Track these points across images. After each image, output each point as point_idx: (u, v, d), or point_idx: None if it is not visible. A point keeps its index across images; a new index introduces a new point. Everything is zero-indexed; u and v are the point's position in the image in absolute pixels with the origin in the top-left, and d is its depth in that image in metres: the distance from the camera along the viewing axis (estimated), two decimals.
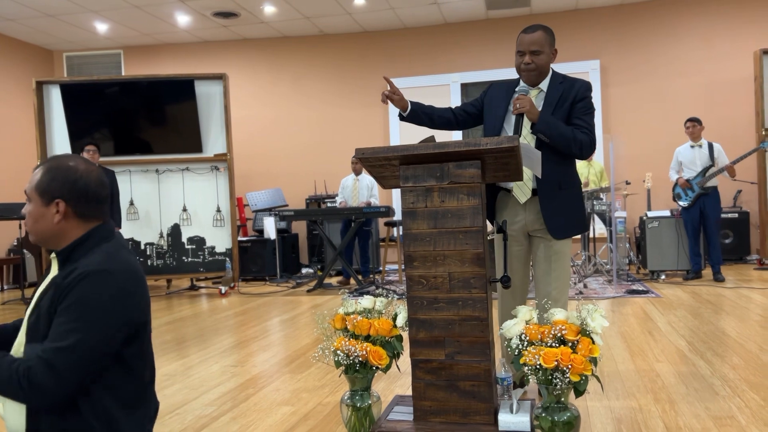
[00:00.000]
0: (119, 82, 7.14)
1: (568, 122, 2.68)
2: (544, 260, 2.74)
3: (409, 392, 2.98)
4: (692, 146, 6.64)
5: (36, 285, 1.74)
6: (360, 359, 2.30)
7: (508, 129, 2.73)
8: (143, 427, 1.66)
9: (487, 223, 2.40)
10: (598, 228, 7.73)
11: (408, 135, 9.06)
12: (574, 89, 2.69)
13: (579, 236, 7.23)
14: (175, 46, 9.72)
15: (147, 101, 7.11)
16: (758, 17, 8.20)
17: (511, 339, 2.15)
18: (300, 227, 9.24)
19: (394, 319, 2.41)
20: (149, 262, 7.18)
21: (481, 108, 2.88)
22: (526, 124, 2.66)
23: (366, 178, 7.76)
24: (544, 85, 2.73)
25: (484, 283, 2.19)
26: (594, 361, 2.07)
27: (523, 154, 2.31)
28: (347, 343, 2.33)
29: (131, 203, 7.09)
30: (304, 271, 8.95)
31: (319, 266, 8.76)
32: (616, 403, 2.82)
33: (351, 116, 9.41)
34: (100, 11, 8.13)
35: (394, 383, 3.29)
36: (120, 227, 6.65)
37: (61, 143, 7.15)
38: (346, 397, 2.41)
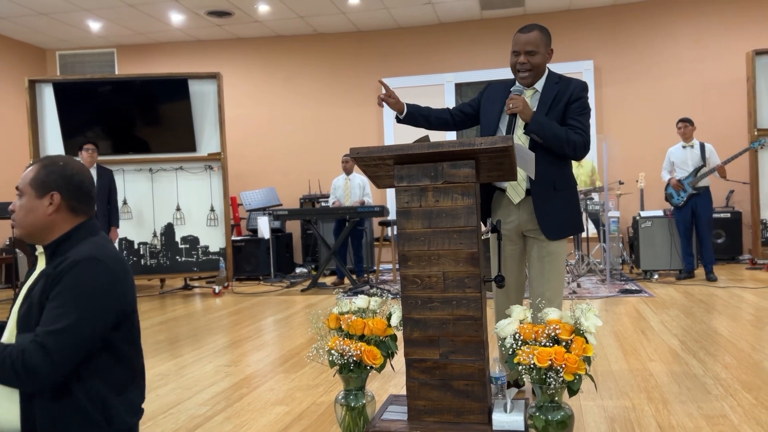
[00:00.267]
0: (113, 81, 7.11)
1: (563, 123, 2.67)
2: (537, 261, 2.74)
3: (404, 392, 2.98)
4: (684, 146, 6.67)
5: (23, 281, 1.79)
6: (354, 359, 2.30)
7: (504, 129, 2.73)
8: (134, 410, 1.74)
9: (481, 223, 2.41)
10: (590, 228, 7.75)
11: (402, 134, 9.06)
12: (569, 89, 2.68)
13: (572, 236, 7.25)
14: (168, 45, 9.69)
15: (140, 100, 7.09)
16: (751, 18, 8.25)
17: (505, 338, 2.16)
18: (294, 227, 9.23)
19: (389, 318, 2.41)
20: (142, 262, 7.16)
21: (478, 108, 2.88)
22: (520, 125, 2.65)
23: (357, 177, 7.75)
24: (540, 85, 2.73)
25: (478, 283, 2.20)
26: (588, 360, 2.07)
27: (517, 154, 2.32)
28: (341, 342, 2.33)
29: (125, 202, 7.06)
30: (298, 270, 8.94)
31: (313, 266, 8.75)
32: (610, 403, 2.83)
33: (345, 116, 9.41)
34: (94, 10, 8.09)
35: (388, 383, 3.29)
36: (118, 226, 6.62)
37: (53, 142, 7.12)
38: (340, 397, 2.40)
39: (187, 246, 7.22)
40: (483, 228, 2.63)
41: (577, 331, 2.11)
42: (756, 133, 7.15)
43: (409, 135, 8.51)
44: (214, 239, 7.23)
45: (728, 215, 7.83)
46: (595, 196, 7.32)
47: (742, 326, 4.29)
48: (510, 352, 2.12)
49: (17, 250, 7.71)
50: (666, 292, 5.93)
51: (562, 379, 2.01)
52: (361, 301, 2.48)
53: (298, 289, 7.18)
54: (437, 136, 8.24)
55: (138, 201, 7.18)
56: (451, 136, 8.59)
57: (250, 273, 8.20)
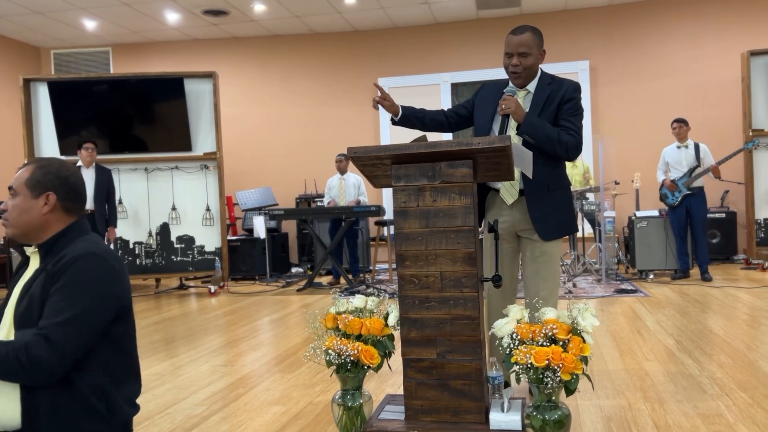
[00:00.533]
0: (108, 80, 7.09)
1: (556, 123, 2.67)
2: (532, 261, 2.74)
3: (401, 391, 2.97)
4: (679, 147, 6.70)
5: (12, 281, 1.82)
6: (351, 358, 2.30)
7: (497, 130, 2.73)
8: (133, 401, 1.80)
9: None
10: (585, 228, 7.76)
11: (399, 134, 9.05)
12: (561, 90, 2.69)
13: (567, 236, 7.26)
14: (164, 44, 9.67)
15: (136, 99, 7.07)
16: (746, 19, 8.28)
17: (502, 338, 2.16)
18: (290, 226, 9.22)
19: (386, 318, 2.41)
20: (138, 261, 7.14)
21: (472, 109, 2.88)
22: (512, 126, 2.66)
23: (352, 176, 7.74)
24: (532, 86, 2.73)
25: (475, 283, 2.20)
26: (585, 360, 2.08)
27: (514, 154, 2.32)
28: (339, 342, 2.33)
29: (120, 202, 7.03)
30: (293, 270, 8.93)
31: (308, 266, 8.74)
32: (606, 402, 2.84)
33: (341, 115, 9.40)
34: (89, 8, 8.07)
35: (385, 382, 3.29)
36: (115, 226, 6.60)
37: (48, 141, 7.09)
38: (337, 397, 2.40)
39: (183, 245, 7.20)
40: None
41: (574, 330, 2.12)
42: (751, 133, 7.18)
43: (405, 135, 8.49)
44: (209, 239, 7.21)
45: (723, 215, 7.86)
46: (590, 196, 7.33)
47: (737, 326, 4.30)
48: (507, 352, 2.12)
49: (11, 250, 7.68)
50: (661, 291, 5.95)
51: (559, 378, 2.01)
52: (358, 300, 2.47)
53: (293, 288, 7.17)
54: (434, 136, 8.25)
55: (133, 200, 7.15)
56: (447, 136, 8.59)
57: (245, 273, 8.19)
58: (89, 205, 6.36)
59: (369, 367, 2.33)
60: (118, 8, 8.10)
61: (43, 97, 7.06)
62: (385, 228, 7.96)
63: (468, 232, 2.20)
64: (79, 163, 6.42)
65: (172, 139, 7.14)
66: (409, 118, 2.87)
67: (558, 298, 2.83)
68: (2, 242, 8.38)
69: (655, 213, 6.96)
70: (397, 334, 2.37)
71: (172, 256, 7.18)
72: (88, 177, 6.41)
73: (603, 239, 6.60)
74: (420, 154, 2.21)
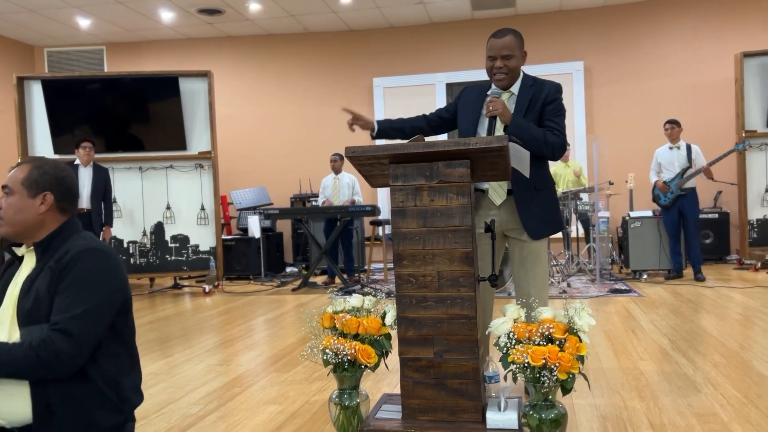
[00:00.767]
0: (102, 79, 7.06)
1: (540, 124, 2.72)
2: (520, 261, 2.78)
3: (397, 390, 2.98)
4: (671, 148, 6.74)
5: None
6: (349, 358, 2.30)
7: (482, 132, 2.77)
8: (138, 389, 1.87)
9: None
10: (580, 229, 7.79)
11: None
12: (544, 91, 2.73)
13: (561, 235, 7.29)
14: (158, 43, 9.64)
15: (130, 98, 7.04)
16: (740, 21, 8.32)
17: (499, 337, 2.17)
18: (285, 226, 9.21)
19: (383, 317, 2.41)
20: (132, 261, 7.12)
21: (456, 112, 2.91)
22: (499, 127, 2.70)
23: (346, 176, 7.73)
24: (516, 88, 2.77)
25: (472, 282, 2.21)
26: (581, 359, 2.09)
27: (512, 154, 2.33)
28: (336, 341, 2.33)
29: (114, 201, 7.01)
30: (288, 269, 8.92)
31: (303, 265, 8.73)
32: (602, 401, 2.85)
33: (336, 115, 9.39)
34: (83, 6, 8.03)
35: (382, 381, 3.29)
36: (111, 225, 6.58)
37: (42, 140, 7.06)
38: (334, 396, 2.41)
39: (177, 245, 7.18)
40: None
41: (571, 330, 2.13)
42: (744, 134, 7.22)
43: None
44: (204, 238, 7.20)
45: (716, 216, 7.90)
46: (585, 196, 7.36)
47: (731, 325, 4.33)
48: (504, 351, 2.13)
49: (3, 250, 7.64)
50: (655, 291, 5.98)
51: (555, 377, 2.02)
52: (355, 300, 2.48)
53: (288, 288, 7.17)
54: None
55: (128, 199, 7.13)
56: (444, 137, 8.60)
57: (240, 272, 8.17)
58: (86, 204, 6.34)
59: (366, 366, 2.34)
60: (113, 6, 8.07)
61: (36, 95, 7.03)
62: (380, 228, 7.97)
63: (465, 231, 2.21)
64: (77, 162, 6.39)
65: (167, 138, 7.12)
66: (386, 131, 2.91)
67: (548, 295, 2.87)
68: None
69: (649, 213, 6.99)
70: (394, 333, 2.37)
71: (167, 256, 7.16)
72: (86, 176, 6.39)
73: (597, 239, 6.63)
74: (418, 153, 2.21)
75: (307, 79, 9.47)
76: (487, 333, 2.37)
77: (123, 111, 7.06)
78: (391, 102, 9.19)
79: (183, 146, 7.14)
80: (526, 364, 2.04)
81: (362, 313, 2.45)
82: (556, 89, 2.75)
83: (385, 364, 2.50)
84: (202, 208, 7.20)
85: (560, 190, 7.32)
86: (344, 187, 7.73)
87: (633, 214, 7.09)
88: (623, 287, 6.16)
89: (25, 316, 1.69)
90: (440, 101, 8.99)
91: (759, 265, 7.16)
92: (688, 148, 6.66)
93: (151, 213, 7.17)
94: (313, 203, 8.60)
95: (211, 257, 7.17)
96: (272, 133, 9.52)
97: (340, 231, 7.21)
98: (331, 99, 9.41)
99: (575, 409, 2.75)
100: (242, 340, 4.47)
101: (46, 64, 9.69)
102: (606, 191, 7.43)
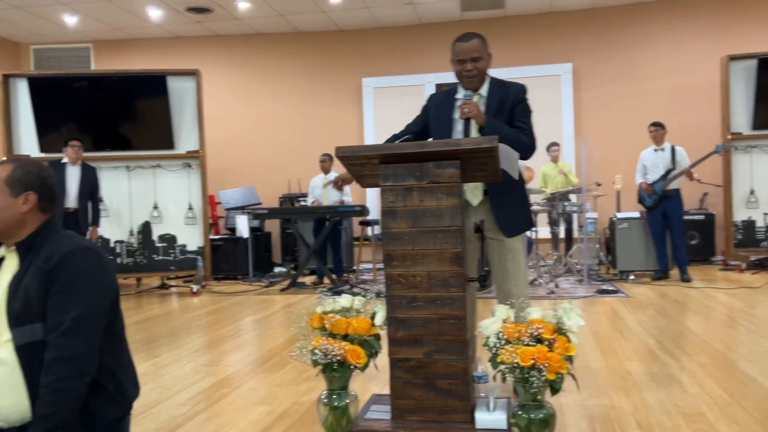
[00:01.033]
0: (89, 77, 7.01)
1: (510, 125, 2.78)
2: (499, 260, 2.84)
3: (387, 391, 2.98)
4: (655, 150, 6.80)
5: None
6: (338, 358, 2.30)
7: (457, 135, 2.82)
8: (136, 381, 1.91)
9: None
10: (563, 229, 7.82)
11: (383, 133, 9.06)
12: (511, 93, 2.81)
13: (550, 236, 7.31)
14: (146, 41, 9.57)
15: (117, 96, 6.99)
16: (726, 24, 8.40)
17: (488, 337, 2.17)
18: (273, 226, 9.17)
19: (373, 317, 2.41)
20: (119, 260, 7.06)
21: (427, 120, 2.95)
22: (474, 129, 2.74)
23: (335, 176, 7.71)
24: (484, 90, 2.84)
25: (462, 282, 2.21)
26: (570, 359, 2.10)
27: (501, 155, 2.33)
28: (325, 342, 2.33)
29: (101, 200, 6.95)
30: (277, 270, 8.89)
31: (292, 265, 8.70)
32: (590, 401, 2.87)
33: (326, 115, 9.38)
34: (70, 3, 7.96)
35: (371, 382, 3.29)
36: (98, 225, 6.51)
37: (28, 138, 6.98)
38: (323, 397, 2.40)
39: (165, 244, 7.14)
40: None
41: (560, 330, 2.14)
42: (729, 137, 7.30)
43: (389, 134, 8.48)
44: (191, 238, 7.16)
45: (702, 217, 7.97)
46: (573, 197, 7.40)
47: (716, 326, 4.37)
48: (493, 351, 2.14)
49: None
50: (642, 292, 6.02)
51: (544, 378, 2.03)
52: (344, 300, 2.47)
53: (277, 288, 7.14)
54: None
55: (115, 199, 7.07)
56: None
57: (228, 272, 8.13)
58: (73, 203, 6.28)
59: (355, 366, 2.33)
60: (100, 4, 8.00)
61: (22, 93, 6.95)
62: (369, 228, 7.96)
63: (455, 232, 2.21)
64: (65, 160, 6.33)
65: (155, 137, 7.08)
66: None
67: (528, 291, 2.94)
68: None
69: (636, 215, 7.05)
70: (383, 333, 2.37)
71: (154, 255, 7.12)
72: (74, 174, 6.33)
73: (585, 240, 6.66)
74: (408, 154, 2.21)
75: (297, 78, 9.44)
76: (476, 333, 2.38)
77: (110, 109, 7.01)
78: (381, 102, 9.19)
79: (171, 145, 7.10)
80: (515, 365, 2.05)
81: (352, 313, 2.45)
82: (523, 90, 2.85)
83: (375, 365, 2.49)
84: (190, 208, 7.16)
85: (549, 190, 7.36)
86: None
87: (620, 215, 7.14)
88: (611, 288, 6.20)
89: (16, 318, 1.69)
90: None
91: (744, 266, 7.23)
92: (673, 150, 6.72)
93: (139, 212, 7.12)
94: (302, 203, 8.58)
95: (199, 257, 7.13)
96: (261, 133, 9.48)
97: (329, 231, 7.20)
98: (320, 99, 9.39)
99: (563, 409, 2.76)
100: (230, 340, 4.45)
101: (32, 61, 9.59)
102: (594, 192, 7.48)
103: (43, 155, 6.82)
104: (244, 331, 4.80)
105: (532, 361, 2.03)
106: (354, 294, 2.55)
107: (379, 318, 2.38)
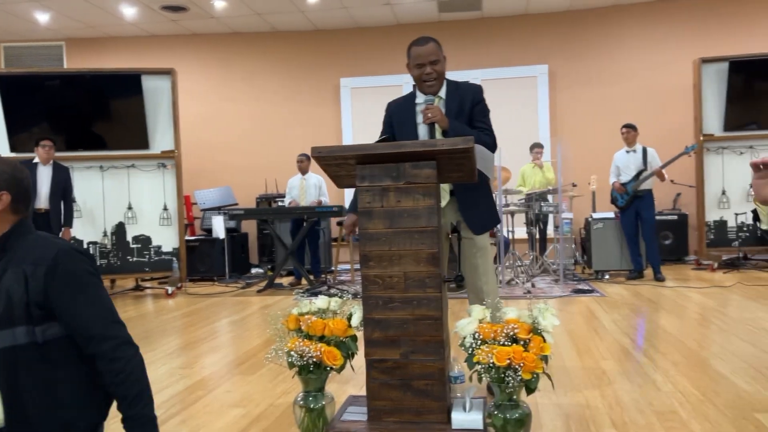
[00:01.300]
0: (61, 75, 6.89)
1: (470, 125, 2.83)
2: (470, 257, 2.88)
3: (363, 392, 2.97)
4: (627, 151, 6.92)
5: None
6: (314, 360, 2.28)
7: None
8: None
9: None
10: (538, 229, 7.88)
11: (361, 134, 9.07)
12: (469, 94, 2.88)
13: (526, 236, 7.37)
14: (120, 39, 9.44)
15: (91, 95, 6.88)
16: (699, 27, 8.55)
17: (465, 338, 2.18)
18: (250, 227, 9.11)
19: (349, 319, 2.40)
20: None
21: (392, 132, 2.97)
22: (438, 133, 2.77)
23: (313, 176, 7.70)
24: (443, 92, 2.89)
25: (438, 283, 2.21)
26: (545, 359, 2.11)
27: (477, 155, 2.34)
28: (301, 343, 2.31)
29: (74, 200, 6.84)
30: (253, 271, 8.83)
31: (269, 266, 8.65)
32: (565, 400, 2.89)
33: (303, 114, 9.34)
34: (42, 0, 7.82)
35: (348, 383, 3.28)
36: (71, 226, 6.40)
37: None
38: (299, 398, 2.38)
39: (139, 246, 7.05)
40: None
41: (535, 330, 2.15)
42: (702, 138, 7.42)
43: (368, 135, 8.53)
44: (166, 239, 7.07)
45: (675, 217, 8.10)
46: (549, 197, 7.46)
47: (689, 325, 4.44)
48: (469, 352, 2.14)
49: None
50: (617, 291, 6.09)
51: (520, 377, 2.04)
52: (321, 301, 2.46)
53: (254, 289, 7.09)
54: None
55: (88, 199, 6.96)
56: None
57: (204, 273, 8.05)
58: (44, 203, 6.17)
59: (332, 368, 2.32)
60: (73, 1, 7.87)
61: None
62: None
63: (432, 232, 2.21)
64: (36, 161, 6.21)
65: (129, 136, 6.98)
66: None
67: (497, 287, 3.01)
68: None
69: (611, 215, 7.14)
70: (360, 334, 2.36)
71: (128, 257, 7.02)
72: (45, 175, 6.22)
73: (561, 240, 6.72)
74: (385, 154, 2.21)
75: (274, 78, 9.39)
76: (453, 332, 2.38)
77: (83, 108, 6.90)
78: (358, 103, 9.18)
79: (145, 145, 7.01)
80: (491, 365, 2.06)
81: (328, 314, 2.44)
82: (480, 90, 2.92)
83: (351, 366, 2.48)
84: (165, 209, 7.08)
85: (526, 190, 7.42)
86: (311, 188, 7.69)
87: (595, 215, 7.22)
88: (586, 287, 6.26)
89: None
90: None
91: (716, 265, 7.36)
92: (644, 151, 6.83)
93: (112, 213, 7.01)
94: (280, 203, 8.53)
95: (174, 258, 7.05)
96: (238, 133, 9.41)
97: (307, 231, 7.16)
98: (297, 99, 9.35)
99: (539, 408, 2.78)
100: (206, 342, 4.41)
101: (2, 59, 9.40)
102: (569, 193, 7.55)
103: (13, 155, 6.69)
104: (220, 333, 4.75)
105: (508, 361, 2.04)
106: (331, 295, 2.53)
107: (356, 319, 2.37)
